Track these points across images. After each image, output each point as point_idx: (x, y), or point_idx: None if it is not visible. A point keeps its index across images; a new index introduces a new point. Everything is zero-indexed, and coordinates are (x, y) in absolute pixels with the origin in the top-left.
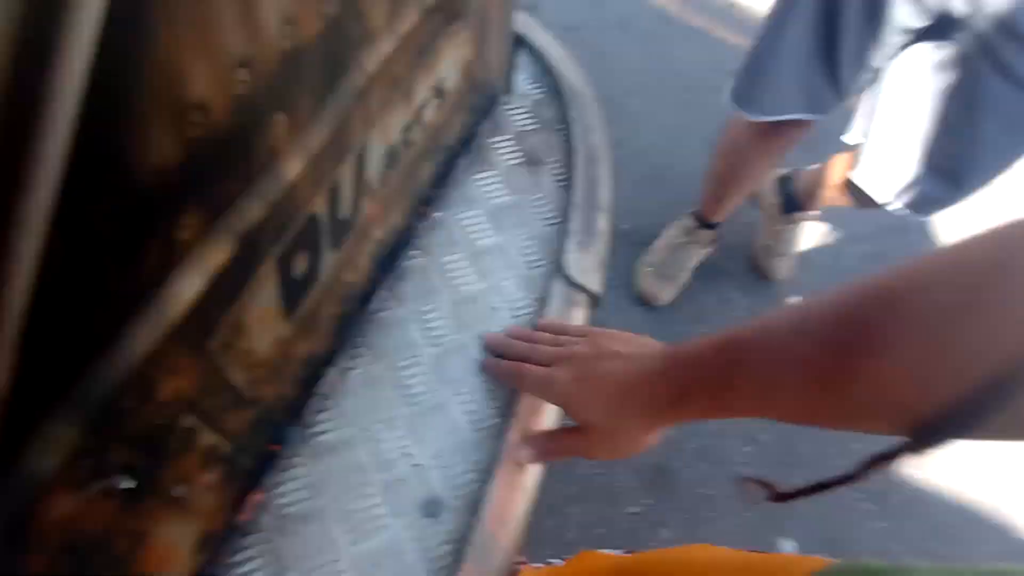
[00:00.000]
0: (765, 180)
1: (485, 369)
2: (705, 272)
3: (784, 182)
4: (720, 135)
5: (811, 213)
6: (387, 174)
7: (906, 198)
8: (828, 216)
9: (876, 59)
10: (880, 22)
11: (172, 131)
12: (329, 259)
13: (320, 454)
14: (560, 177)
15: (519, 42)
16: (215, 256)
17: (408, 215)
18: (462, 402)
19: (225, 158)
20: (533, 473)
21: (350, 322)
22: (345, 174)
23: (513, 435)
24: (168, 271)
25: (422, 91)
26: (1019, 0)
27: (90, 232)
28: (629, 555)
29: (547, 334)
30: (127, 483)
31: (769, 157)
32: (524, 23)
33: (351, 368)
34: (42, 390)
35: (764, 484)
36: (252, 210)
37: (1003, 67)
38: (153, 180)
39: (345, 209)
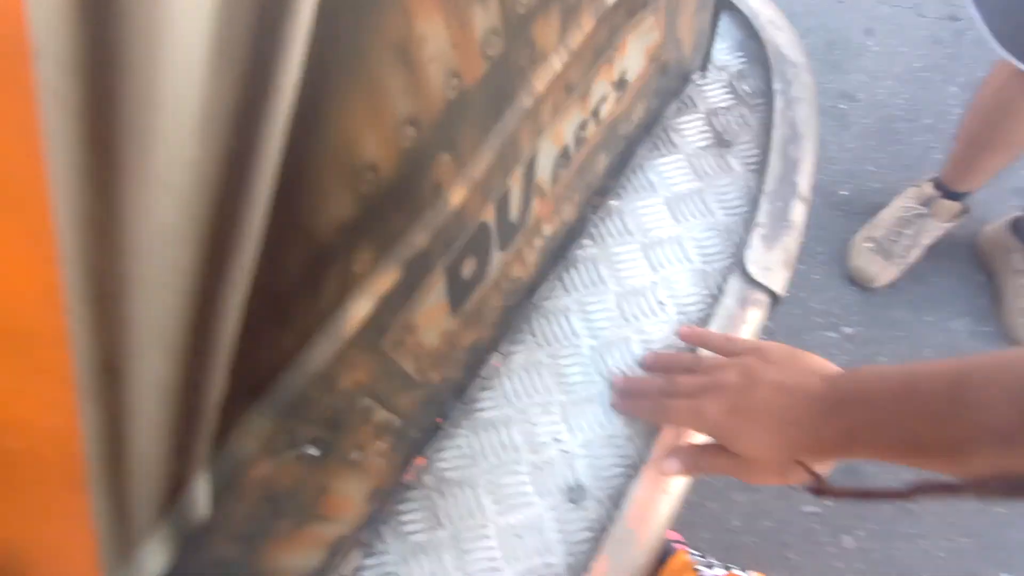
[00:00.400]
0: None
1: (620, 410)
2: (941, 252)
3: (1019, 221)
4: (982, 83)
5: None
6: (559, 173)
7: None
8: None
9: None
10: None
11: (348, 190)
12: (497, 259)
13: (478, 429)
14: (753, 159)
15: (722, 5)
16: (384, 281)
17: (580, 208)
18: None
19: (394, 202)
20: (681, 478)
21: (516, 311)
22: (515, 183)
23: (663, 439)
24: (344, 297)
25: (600, 89)
26: None
27: (282, 270)
28: None
29: (686, 356)
30: (313, 451)
31: None
32: None
33: (513, 353)
34: (245, 391)
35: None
36: (419, 238)
37: None
38: (332, 229)
39: (515, 213)
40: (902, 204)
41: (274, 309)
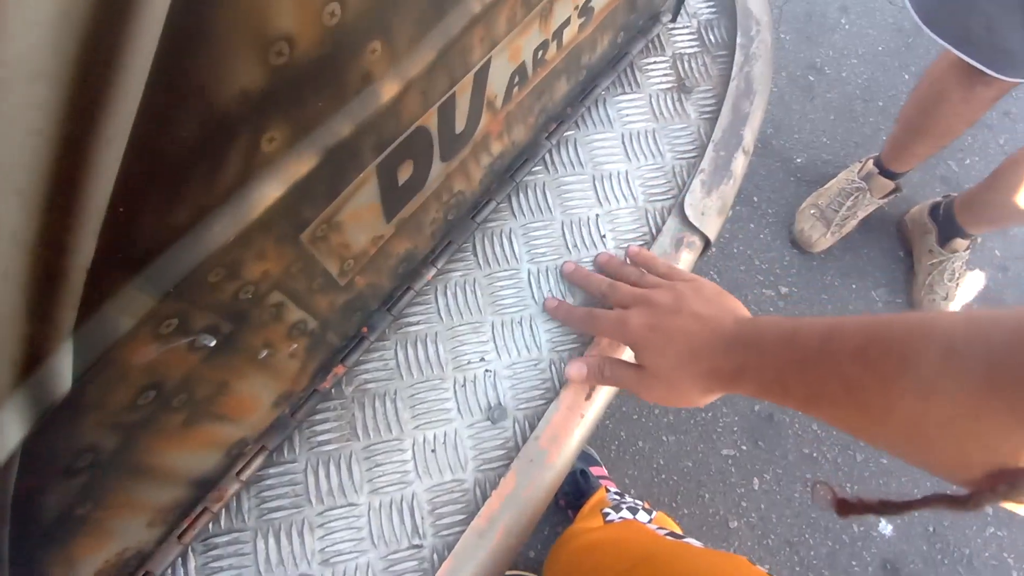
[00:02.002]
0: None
1: (554, 314)
2: (872, 226)
3: (939, 207)
4: (924, 73)
5: (975, 237)
6: (513, 91)
7: None
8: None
9: None
10: None
11: (256, 58)
12: (437, 168)
13: (406, 343)
14: (708, 108)
15: None
16: (299, 166)
17: (534, 132)
18: (546, 321)
19: (313, 83)
20: (597, 404)
21: (458, 227)
22: (462, 92)
23: (574, 355)
24: (249, 175)
25: (564, 11)
26: None
27: (172, 132)
28: (670, 539)
29: (633, 269)
30: (207, 341)
31: (967, 107)
32: None
33: (451, 270)
34: (122, 261)
35: (831, 490)
36: (342, 127)
37: None
38: (235, 100)
39: (460, 124)
40: (846, 177)
41: (161, 174)
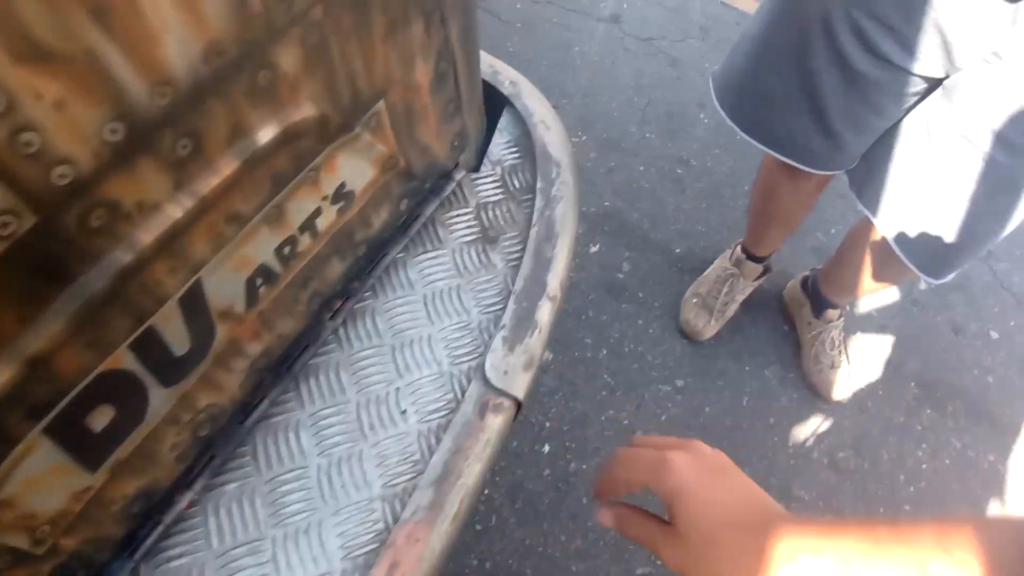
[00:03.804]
0: (798, 220)
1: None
2: (756, 305)
3: (808, 281)
4: (761, 164)
5: (845, 306)
6: (259, 292)
7: (939, 268)
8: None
9: (873, 121)
10: (859, 84)
11: None
12: (161, 396)
13: None
14: (514, 255)
15: (502, 103)
16: None
17: (308, 318)
18: (338, 523)
19: None
20: None
21: (222, 438)
22: (166, 320)
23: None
24: None
25: (307, 206)
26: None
27: None
28: None
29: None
30: None
31: (797, 196)
32: (514, 83)
33: (224, 483)
34: None
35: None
36: None
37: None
38: None
39: (181, 347)
40: (720, 264)
41: None
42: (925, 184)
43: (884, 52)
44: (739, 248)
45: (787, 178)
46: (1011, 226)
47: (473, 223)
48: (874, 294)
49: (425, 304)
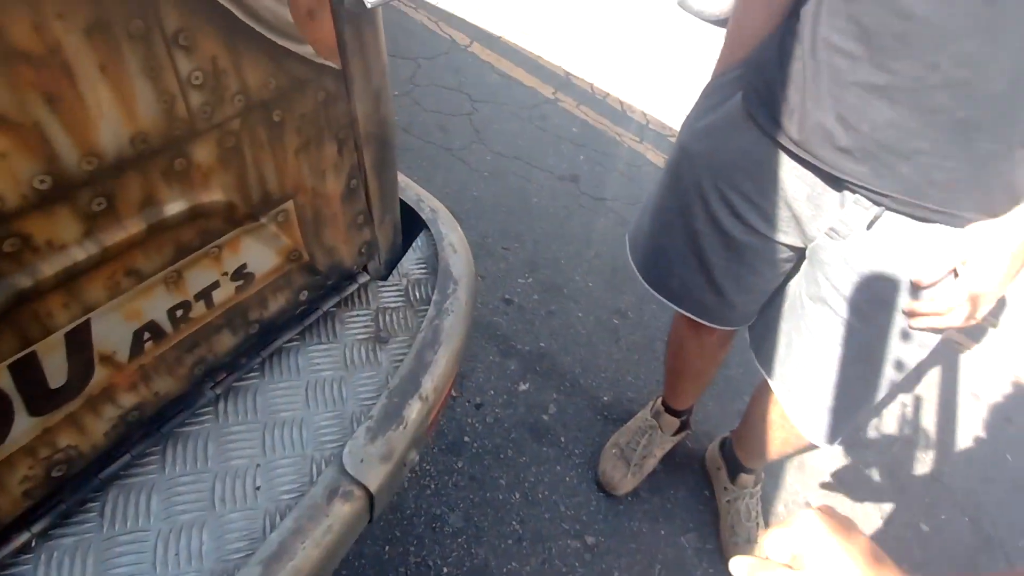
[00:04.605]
0: (711, 375)
1: None
2: (679, 464)
3: (725, 443)
4: (672, 319)
5: (759, 471)
6: (146, 346)
7: (826, 431)
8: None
9: (754, 281)
10: (735, 248)
11: None
12: (26, 423)
13: None
14: (400, 357)
15: (419, 225)
16: None
17: (189, 383)
18: None
19: None
20: None
21: (73, 484)
22: (49, 350)
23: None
24: None
25: (204, 276)
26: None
27: None
28: None
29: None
30: None
31: (703, 351)
32: (434, 211)
33: (63, 535)
34: None
35: None
36: None
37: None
38: None
39: (57, 379)
40: (642, 415)
41: None
42: (806, 348)
43: (750, 222)
44: (659, 400)
45: (692, 332)
46: (881, 392)
47: (369, 324)
48: (785, 457)
49: (306, 391)
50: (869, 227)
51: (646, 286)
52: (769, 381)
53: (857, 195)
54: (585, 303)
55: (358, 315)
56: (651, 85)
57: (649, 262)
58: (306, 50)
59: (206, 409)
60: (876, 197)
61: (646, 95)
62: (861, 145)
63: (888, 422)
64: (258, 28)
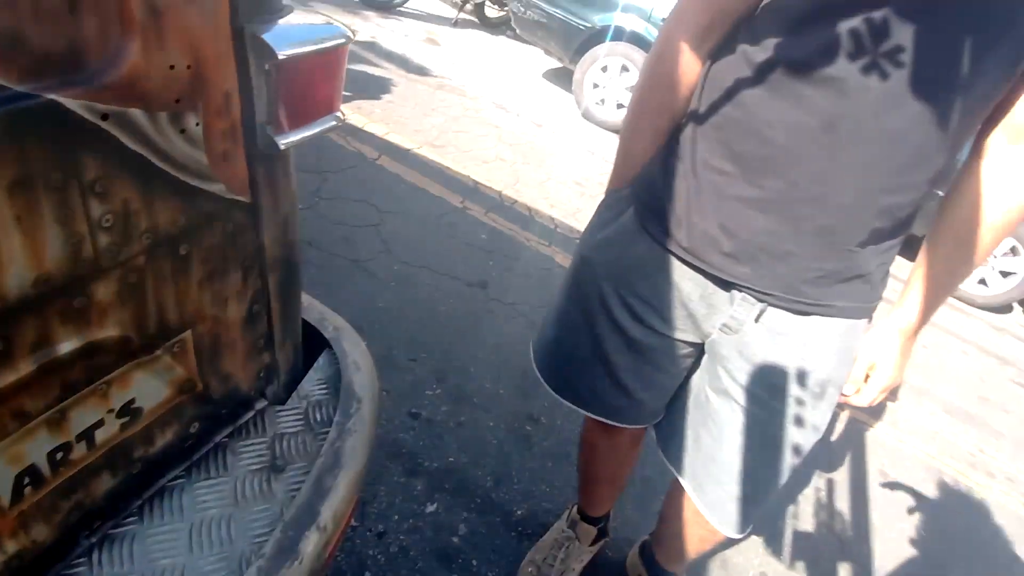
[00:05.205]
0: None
1: None
2: (603, 573)
3: (644, 547)
4: (583, 422)
5: (681, 573)
6: (25, 492)
7: (736, 521)
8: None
9: (659, 378)
10: (637, 347)
11: None
12: None
13: None
14: (297, 486)
15: (321, 344)
16: None
17: (62, 532)
18: None
19: None
20: None
21: None
22: None
23: None
24: None
25: (88, 415)
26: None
27: None
28: None
29: None
30: None
31: (615, 452)
32: (337, 328)
33: None
34: None
35: None
36: None
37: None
38: None
39: None
40: (558, 527)
41: None
42: (712, 440)
43: (649, 322)
44: (575, 509)
45: (603, 435)
46: (783, 478)
47: (264, 452)
48: (705, 555)
49: (190, 533)
50: (757, 320)
51: (550, 390)
52: (679, 479)
53: (744, 293)
54: (496, 411)
55: (253, 443)
56: (558, 191)
57: (555, 368)
58: (218, 187)
59: (80, 560)
60: (759, 295)
61: (553, 200)
62: (742, 250)
63: (804, 509)
64: (172, 172)
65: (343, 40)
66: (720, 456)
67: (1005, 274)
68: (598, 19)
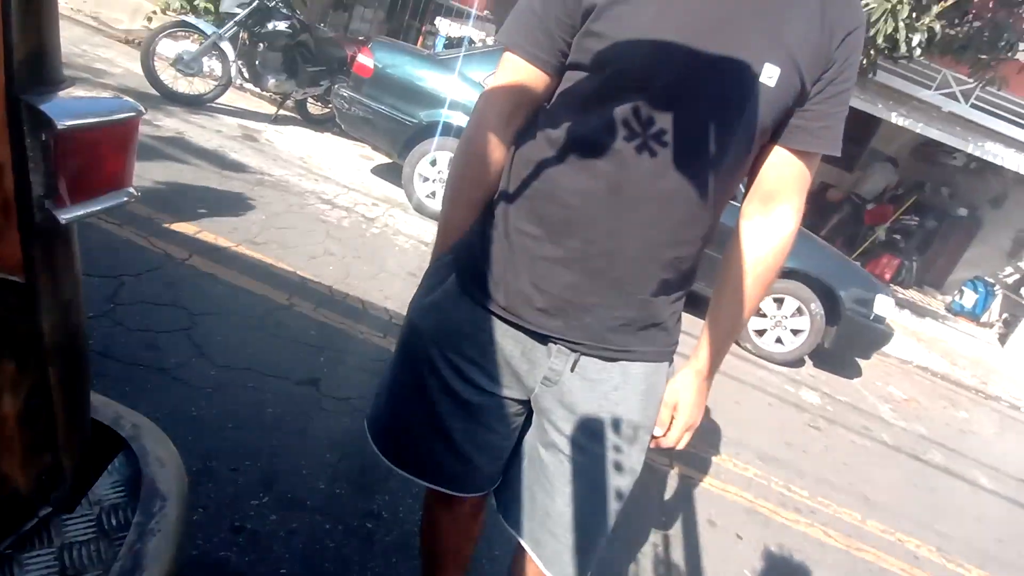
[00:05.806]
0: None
1: None
2: None
3: None
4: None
5: None
6: None
7: (574, 572)
8: None
9: (492, 439)
10: (468, 409)
11: None
12: None
13: None
14: None
15: (117, 445)
16: None
17: None
18: None
19: None
20: None
21: None
22: None
23: None
24: None
25: None
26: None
27: None
28: None
29: None
30: None
31: (457, 525)
32: (136, 426)
33: None
34: None
35: None
36: None
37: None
38: None
39: None
40: None
41: None
42: (546, 496)
43: (478, 382)
44: None
45: (444, 507)
46: (610, 523)
47: (52, 564)
48: None
49: None
50: (572, 369)
51: (389, 464)
52: (520, 540)
53: (559, 345)
54: (334, 512)
55: (36, 556)
56: (391, 283)
57: (391, 441)
58: None
59: None
60: (572, 345)
61: (387, 292)
62: (553, 304)
63: (644, 566)
64: None
65: (133, 113)
66: (553, 509)
67: (796, 332)
68: (424, 115)
